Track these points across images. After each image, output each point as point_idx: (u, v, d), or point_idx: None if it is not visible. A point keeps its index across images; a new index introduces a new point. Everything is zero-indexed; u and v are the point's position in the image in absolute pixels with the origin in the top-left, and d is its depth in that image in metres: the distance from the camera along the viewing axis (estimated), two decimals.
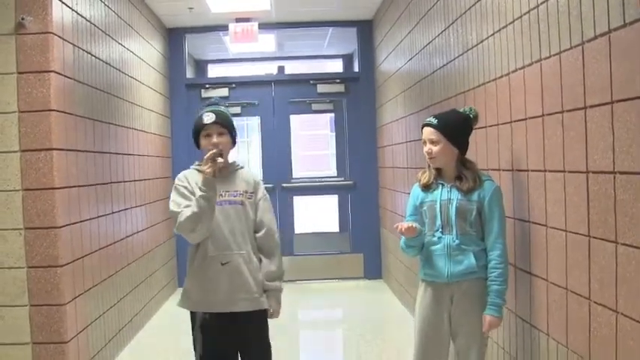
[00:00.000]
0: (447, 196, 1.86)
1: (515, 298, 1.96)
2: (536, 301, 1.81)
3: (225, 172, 1.93)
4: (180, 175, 1.97)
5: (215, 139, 1.86)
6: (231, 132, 1.94)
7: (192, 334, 1.97)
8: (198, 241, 1.88)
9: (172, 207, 1.86)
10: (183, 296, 1.98)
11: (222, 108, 1.97)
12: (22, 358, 2.33)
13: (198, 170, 1.89)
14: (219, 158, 1.82)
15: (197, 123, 1.94)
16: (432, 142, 1.84)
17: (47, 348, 2.34)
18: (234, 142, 1.95)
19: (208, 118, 1.88)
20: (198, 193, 1.77)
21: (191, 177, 1.90)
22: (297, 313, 4.08)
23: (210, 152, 1.80)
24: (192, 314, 1.97)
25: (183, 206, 1.84)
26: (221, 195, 1.87)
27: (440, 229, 1.85)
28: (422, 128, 1.89)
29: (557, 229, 1.65)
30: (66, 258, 2.39)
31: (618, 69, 1.34)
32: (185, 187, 1.88)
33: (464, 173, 1.86)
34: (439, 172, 1.87)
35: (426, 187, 1.89)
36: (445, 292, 1.86)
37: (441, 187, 1.87)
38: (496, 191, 1.84)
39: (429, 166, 1.89)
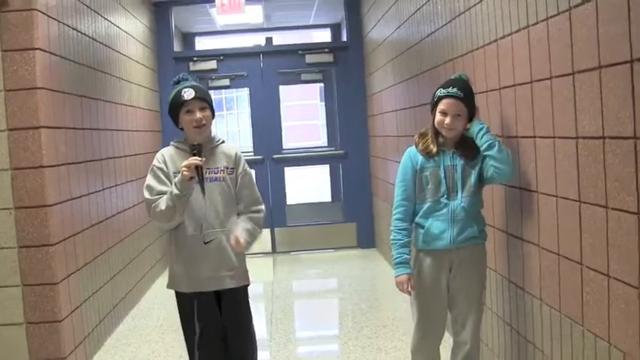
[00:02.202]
0: (450, 162, 1.86)
1: (508, 264, 1.97)
2: (529, 267, 1.82)
3: (207, 147, 1.91)
4: (159, 155, 1.95)
5: (198, 115, 1.83)
6: (211, 106, 1.93)
7: (181, 317, 1.98)
8: (172, 227, 1.88)
9: (146, 193, 1.85)
10: (169, 278, 1.99)
11: (197, 83, 1.95)
12: (16, 338, 2.33)
13: (177, 147, 1.87)
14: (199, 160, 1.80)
15: (175, 99, 1.91)
16: (456, 116, 1.82)
17: (41, 327, 2.35)
18: (213, 116, 1.95)
19: (188, 94, 1.85)
20: (175, 190, 1.75)
21: (168, 156, 1.87)
22: (292, 284, 4.11)
23: (193, 161, 1.76)
24: (179, 295, 1.96)
25: (155, 193, 1.84)
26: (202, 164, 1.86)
27: (445, 195, 1.85)
28: (440, 99, 1.84)
29: (548, 194, 1.65)
30: (57, 236, 2.38)
31: (605, 34, 1.33)
32: (161, 170, 1.88)
33: (465, 140, 1.84)
34: (440, 137, 1.85)
35: (428, 153, 1.88)
36: (445, 259, 1.87)
37: (442, 152, 1.86)
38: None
39: (437, 133, 1.87)
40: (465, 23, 2.22)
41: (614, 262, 1.36)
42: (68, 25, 2.63)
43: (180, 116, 1.90)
